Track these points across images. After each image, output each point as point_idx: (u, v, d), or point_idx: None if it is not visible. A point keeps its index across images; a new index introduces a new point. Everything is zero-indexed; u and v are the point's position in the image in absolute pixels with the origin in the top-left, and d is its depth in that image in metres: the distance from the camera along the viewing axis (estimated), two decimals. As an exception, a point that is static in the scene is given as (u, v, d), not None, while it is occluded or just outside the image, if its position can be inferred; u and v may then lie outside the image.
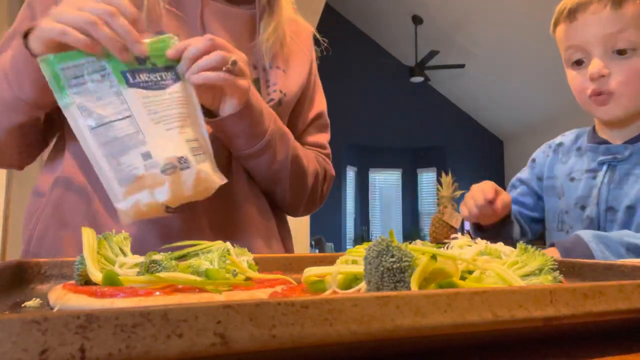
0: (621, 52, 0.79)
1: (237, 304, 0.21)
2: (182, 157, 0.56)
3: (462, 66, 6.12)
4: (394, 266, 0.31)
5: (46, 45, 0.59)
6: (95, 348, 0.19)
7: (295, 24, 0.92)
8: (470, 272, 0.37)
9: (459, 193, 2.64)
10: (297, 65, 0.90)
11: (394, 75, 7.25)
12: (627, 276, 0.44)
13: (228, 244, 0.47)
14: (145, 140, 0.55)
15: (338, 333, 0.22)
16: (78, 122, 0.55)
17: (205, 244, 0.47)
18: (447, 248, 0.41)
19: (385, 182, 7.67)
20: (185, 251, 0.46)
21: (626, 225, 0.79)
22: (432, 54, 5.94)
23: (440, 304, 0.25)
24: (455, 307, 0.25)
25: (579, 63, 0.84)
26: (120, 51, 0.57)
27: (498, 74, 6.47)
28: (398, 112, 7.46)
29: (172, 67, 0.61)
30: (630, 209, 0.79)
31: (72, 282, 0.43)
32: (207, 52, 0.62)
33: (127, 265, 0.43)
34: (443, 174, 2.69)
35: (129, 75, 0.57)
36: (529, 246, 0.38)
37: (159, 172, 0.54)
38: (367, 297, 0.23)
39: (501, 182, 7.58)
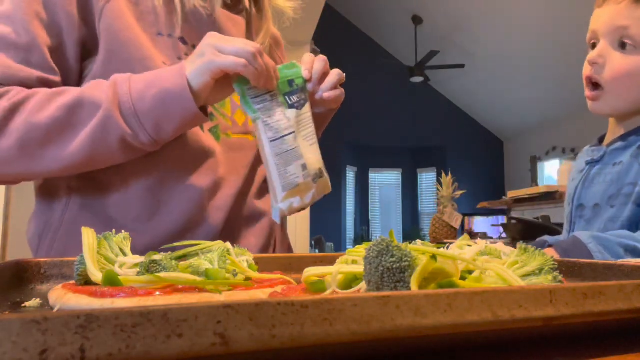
0: (623, 46, 0.81)
1: (237, 304, 0.21)
2: (321, 168, 0.69)
3: (462, 66, 6.12)
4: (394, 266, 0.31)
5: (213, 78, 0.64)
6: (95, 348, 0.19)
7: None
8: (470, 272, 0.37)
9: (459, 193, 2.64)
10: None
11: (394, 75, 7.25)
12: (627, 276, 0.44)
13: (228, 244, 0.47)
14: (302, 154, 0.67)
15: (338, 333, 0.22)
16: (261, 133, 0.66)
17: (205, 244, 0.47)
18: (447, 248, 0.41)
19: (385, 182, 7.67)
20: (185, 251, 0.46)
21: (591, 221, 0.83)
22: (432, 54, 5.93)
23: (440, 304, 0.25)
24: (455, 307, 0.25)
25: (593, 47, 0.87)
26: (271, 80, 0.66)
27: (498, 74, 6.47)
28: (398, 112, 7.47)
29: (304, 87, 0.72)
30: (597, 206, 0.83)
31: (72, 282, 0.43)
32: (325, 70, 0.72)
33: (127, 265, 0.43)
34: (443, 174, 2.69)
35: (287, 98, 0.69)
36: (529, 246, 0.38)
37: (311, 180, 0.67)
38: (367, 297, 0.23)
39: (501, 182, 7.60)
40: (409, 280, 0.31)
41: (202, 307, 0.21)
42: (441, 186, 2.65)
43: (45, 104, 0.64)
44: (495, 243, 0.43)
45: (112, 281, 0.39)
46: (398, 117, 7.46)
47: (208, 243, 0.47)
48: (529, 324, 0.27)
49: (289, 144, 0.66)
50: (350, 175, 7.36)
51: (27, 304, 0.40)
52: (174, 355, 0.20)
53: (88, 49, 0.72)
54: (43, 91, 0.66)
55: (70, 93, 0.65)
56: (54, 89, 0.66)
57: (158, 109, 0.63)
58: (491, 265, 0.36)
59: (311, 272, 0.39)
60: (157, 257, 0.42)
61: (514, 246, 0.40)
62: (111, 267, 0.42)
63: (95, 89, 0.65)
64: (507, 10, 5.33)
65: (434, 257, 0.32)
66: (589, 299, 0.28)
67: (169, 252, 0.45)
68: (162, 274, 0.38)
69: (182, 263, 0.44)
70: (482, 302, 0.25)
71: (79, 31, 0.71)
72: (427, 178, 7.57)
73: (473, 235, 3.14)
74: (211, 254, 0.44)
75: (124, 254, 0.45)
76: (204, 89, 0.64)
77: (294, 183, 0.65)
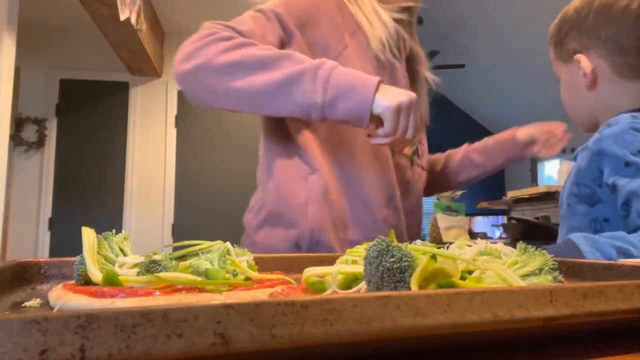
0: (563, 59, 0.88)
1: (237, 304, 0.21)
2: None
3: (462, 66, 6.11)
4: (394, 266, 0.31)
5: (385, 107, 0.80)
6: (95, 348, 0.19)
7: None
8: (470, 272, 0.37)
9: (459, 193, 2.64)
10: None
11: (394, 75, 7.24)
12: (627, 276, 0.44)
13: (228, 244, 0.47)
14: None
15: (338, 333, 0.22)
16: None
17: (205, 244, 0.47)
18: (447, 248, 0.41)
19: (385, 182, 7.64)
20: (185, 251, 0.46)
21: (564, 217, 0.86)
22: (432, 54, 5.93)
23: (440, 304, 0.25)
24: (455, 307, 0.25)
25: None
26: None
27: (498, 74, 6.47)
28: (398, 112, 7.44)
29: None
30: (568, 205, 0.85)
31: (72, 282, 0.43)
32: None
33: (127, 265, 0.43)
34: (443, 174, 2.69)
35: None
36: (529, 246, 0.38)
37: None
38: (367, 297, 0.23)
39: (501, 181, 7.60)
40: (409, 280, 0.31)
41: (202, 307, 0.21)
42: (441, 186, 2.64)
43: (268, 49, 0.83)
44: (495, 243, 0.43)
45: (112, 281, 0.39)
46: (398, 117, 7.44)
47: (208, 243, 0.47)
48: (529, 324, 0.27)
49: None
50: (350, 175, 7.33)
51: (27, 304, 0.40)
52: (174, 355, 0.20)
53: None
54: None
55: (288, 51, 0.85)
56: None
57: (344, 89, 0.79)
58: (491, 265, 0.36)
59: (311, 272, 0.39)
60: (157, 257, 0.41)
61: (514, 246, 0.40)
62: (111, 267, 0.42)
63: (307, 58, 0.83)
64: (507, 10, 5.33)
65: (434, 257, 0.32)
66: (589, 299, 0.28)
67: (169, 252, 0.45)
68: (162, 274, 0.38)
69: (182, 263, 0.44)
70: (482, 302, 0.25)
71: None
72: (427, 178, 7.56)
73: (473, 235, 3.14)
74: (211, 254, 0.44)
75: (124, 254, 0.45)
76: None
77: None
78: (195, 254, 0.45)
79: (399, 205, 1.00)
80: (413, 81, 1.15)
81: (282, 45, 0.93)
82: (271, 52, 0.82)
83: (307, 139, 0.96)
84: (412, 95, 0.80)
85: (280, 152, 1.00)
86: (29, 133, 4.32)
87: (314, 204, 0.92)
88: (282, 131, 0.99)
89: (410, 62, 1.13)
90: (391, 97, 0.78)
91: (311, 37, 0.95)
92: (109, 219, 4.32)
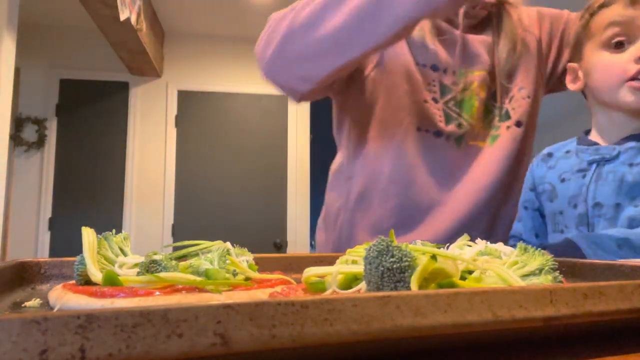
0: None
1: (237, 304, 0.21)
2: None
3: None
4: (394, 266, 0.31)
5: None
6: (95, 348, 0.19)
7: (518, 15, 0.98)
8: (470, 272, 0.37)
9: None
10: (527, 62, 0.97)
11: (394, 75, 7.24)
12: (627, 276, 0.44)
13: (228, 244, 0.47)
14: None
15: (338, 333, 0.22)
16: None
17: (205, 244, 0.47)
18: (447, 248, 0.41)
19: (385, 182, 7.64)
20: (185, 251, 0.46)
21: (613, 219, 0.82)
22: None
23: (440, 304, 0.25)
24: (455, 307, 0.25)
25: (618, 45, 0.85)
26: None
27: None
28: (398, 112, 7.45)
29: None
30: (619, 205, 0.82)
31: (72, 282, 0.43)
32: None
33: (127, 265, 0.43)
34: (443, 174, 2.68)
35: None
36: (529, 246, 0.38)
37: None
38: (367, 297, 0.23)
39: (501, 182, 7.60)
40: (409, 280, 0.31)
41: (202, 307, 0.21)
42: (441, 186, 2.64)
43: None
44: (495, 243, 0.43)
45: (112, 281, 0.39)
46: (398, 117, 7.45)
47: (208, 243, 0.47)
48: (529, 324, 0.27)
49: None
50: (350, 175, 7.33)
51: (27, 304, 0.40)
52: (174, 355, 0.20)
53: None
54: None
55: None
56: None
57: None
58: (491, 265, 0.36)
59: (311, 272, 0.39)
60: (157, 257, 0.41)
61: (514, 246, 0.40)
62: (111, 267, 0.42)
63: None
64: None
65: (434, 257, 0.32)
66: (589, 299, 0.28)
67: (169, 252, 0.45)
68: (162, 274, 0.38)
69: (182, 263, 0.44)
70: (482, 302, 0.25)
71: None
72: (427, 178, 7.55)
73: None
74: (211, 254, 0.44)
75: (124, 254, 0.45)
76: None
77: None
78: (195, 254, 0.45)
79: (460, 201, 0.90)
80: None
81: None
82: None
83: (356, 136, 0.93)
84: None
85: (339, 153, 1.02)
86: (29, 133, 4.32)
87: (345, 213, 0.93)
88: (341, 129, 0.99)
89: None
90: None
91: None
92: (109, 219, 4.32)
